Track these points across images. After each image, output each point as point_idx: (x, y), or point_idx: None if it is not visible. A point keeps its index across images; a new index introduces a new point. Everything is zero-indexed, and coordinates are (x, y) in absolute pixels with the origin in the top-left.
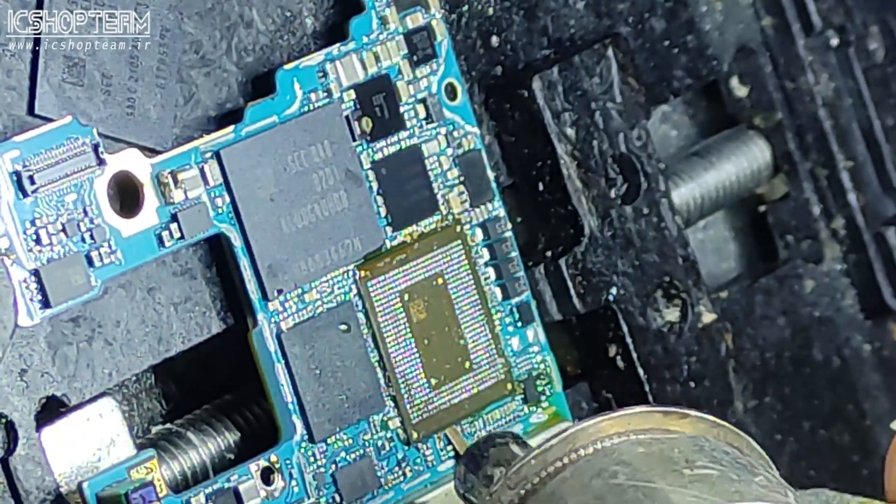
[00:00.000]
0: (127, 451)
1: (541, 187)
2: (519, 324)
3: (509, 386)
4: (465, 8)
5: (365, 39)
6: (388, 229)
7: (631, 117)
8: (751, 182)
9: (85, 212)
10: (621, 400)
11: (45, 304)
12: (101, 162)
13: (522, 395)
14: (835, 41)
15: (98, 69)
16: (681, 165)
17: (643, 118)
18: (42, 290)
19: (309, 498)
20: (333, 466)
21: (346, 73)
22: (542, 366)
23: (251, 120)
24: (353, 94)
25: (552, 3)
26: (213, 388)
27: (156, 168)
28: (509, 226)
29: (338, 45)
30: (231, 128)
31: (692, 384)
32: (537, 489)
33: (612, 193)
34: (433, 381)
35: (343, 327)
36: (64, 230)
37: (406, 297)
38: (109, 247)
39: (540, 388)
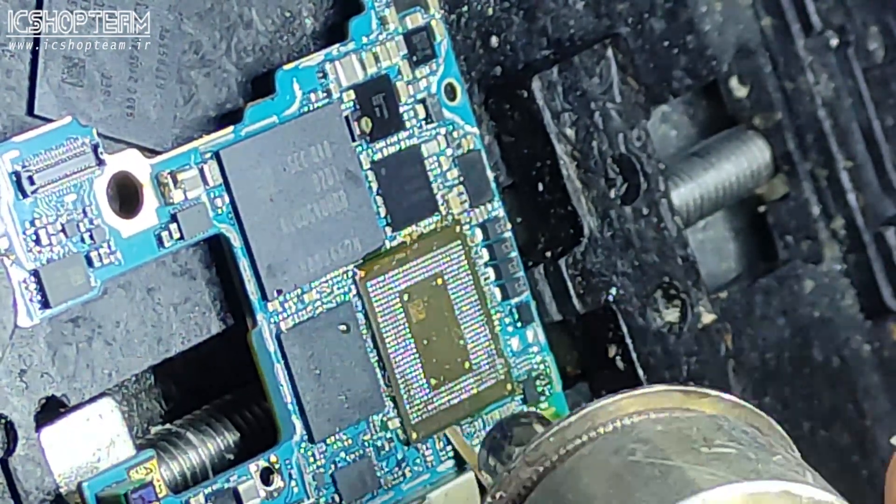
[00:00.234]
0: (126, 451)
1: (540, 187)
2: (518, 324)
3: (509, 386)
4: (465, 8)
5: (364, 40)
6: (388, 229)
7: (631, 117)
8: (750, 182)
9: (84, 212)
10: None
11: (45, 304)
12: (100, 162)
13: (522, 396)
14: (834, 41)
15: (98, 69)
16: (681, 165)
17: (643, 118)
18: (42, 290)
19: (308, 498)
20: (333, 467)
21: (346, 74)
22: (541, 366)
23: (251, 120)
24: (352, 94)
25: (552, 4)
26: (212, 389)
27: (155, 168)
28: (509, 226)
29: (337, 45)
30: (231, 128)
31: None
32: (556, 466)
33: (612, 194)
34: (433, 382)
35: (342, 327)
36: (63, 230)
37: (406, 297)
38: (109, 247)
39: (539, 389)
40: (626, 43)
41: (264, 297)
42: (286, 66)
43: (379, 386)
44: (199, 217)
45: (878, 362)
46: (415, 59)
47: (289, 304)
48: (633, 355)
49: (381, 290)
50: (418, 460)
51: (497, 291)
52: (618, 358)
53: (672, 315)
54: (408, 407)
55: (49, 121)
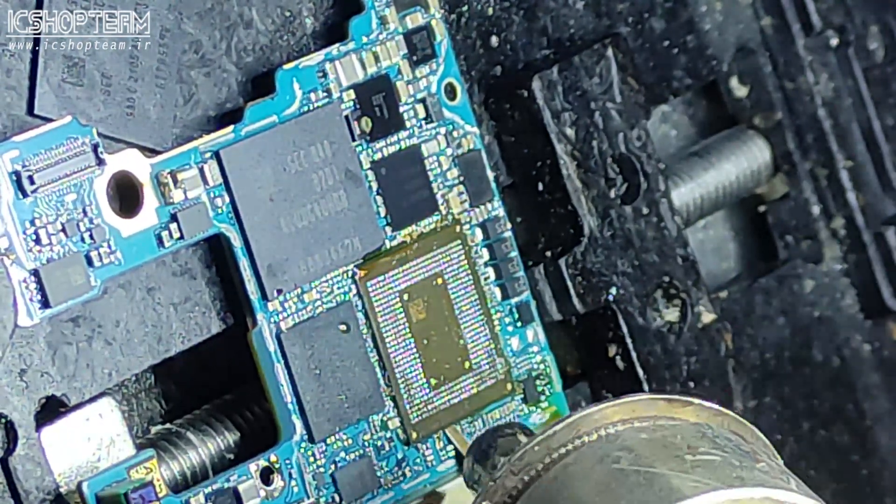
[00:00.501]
0: (126, 451)
1: (540, 187)
2: (518, 324)
3: (509, 386)
4: (465, 8)
5: (364, 39)
6: (388, 229)
7: (631, 117)
8: (751, 182)
9: (84, 212)
10: None
11: (45, 303)
12: (100, 162)
13: (522, 395)
14: (834, 41)
15: (98, 69)
16: (681, 165)
17: (643, 118)
18: (42, 289)
19: (308, 498)
20: (333, 466)
21: (346, 73)
22: (541, 366)
23: (251, 120)
24: (352, 93)
25: (552, 3)
26: (212, 388)
27: (155, 168)
28: (509, 226)
29: (337, 45)
30: (231, 128)
31: (692, 384)
32: (541, 475)
33: (612, 193)
34: (433, 381)
35: (343, 327)
36: (63, 230)
37: (406, 297)
38: (109, 247)
39: (539, 388)
40: (626, 43)
41: (264, 297)
42: (286, 66)
43: (379, 385)
44: (199, 217)
45: (878, 362)
46: (415, 58)
47: (289, 303)
48: (633, 355)
49: (382, 289)
50: (418, 460)
51: (497, 291)
52: (618, 357)
53: (672, 315)
54: (408, 406)
55: (49, 120)
